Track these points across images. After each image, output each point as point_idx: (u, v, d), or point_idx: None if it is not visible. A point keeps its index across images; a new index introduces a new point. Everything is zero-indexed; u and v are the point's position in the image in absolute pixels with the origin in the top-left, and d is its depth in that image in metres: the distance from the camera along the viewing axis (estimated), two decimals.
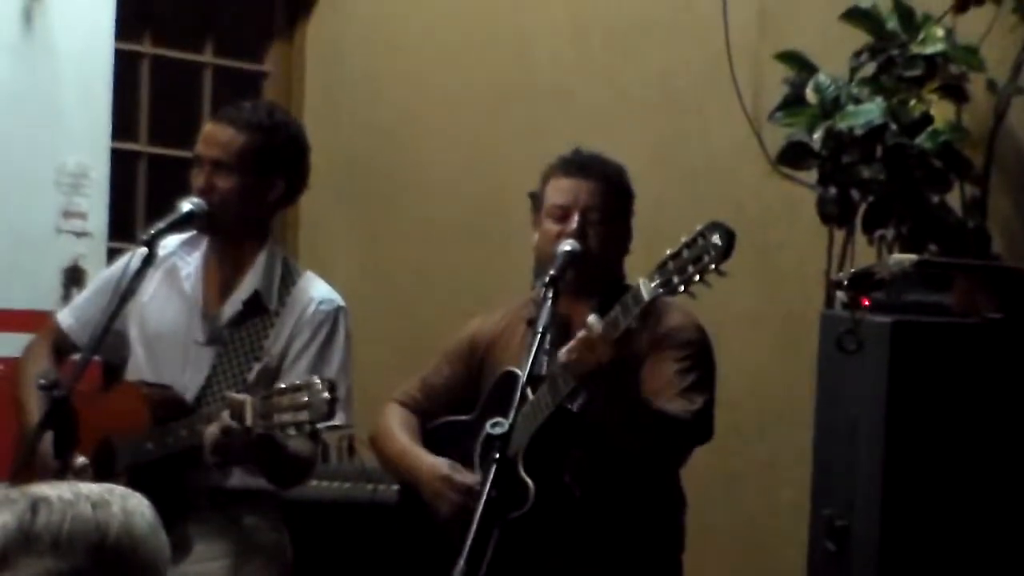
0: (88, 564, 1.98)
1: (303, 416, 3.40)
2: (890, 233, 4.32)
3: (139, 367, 3.81)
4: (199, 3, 5.79)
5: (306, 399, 3.39)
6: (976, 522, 4.12)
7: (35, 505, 1.98)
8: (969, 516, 4.11)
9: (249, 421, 3.40)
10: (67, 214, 4.98)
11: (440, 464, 3.65)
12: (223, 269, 3.81)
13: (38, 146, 5.00)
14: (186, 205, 3.56)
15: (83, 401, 3.57)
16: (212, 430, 3.48)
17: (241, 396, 3.44)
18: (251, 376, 3.65)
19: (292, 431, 3.46)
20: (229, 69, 5.76)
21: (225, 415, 3.42)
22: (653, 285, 3.16)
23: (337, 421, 3.55)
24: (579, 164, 3.57)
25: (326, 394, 3.34)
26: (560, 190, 3.53)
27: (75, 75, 4.98)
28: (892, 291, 4.11)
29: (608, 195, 3.56)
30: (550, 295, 3.35)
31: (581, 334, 3.25)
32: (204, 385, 3.69)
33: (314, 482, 4.38)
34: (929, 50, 4.16)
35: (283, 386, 3.39)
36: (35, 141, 5.05)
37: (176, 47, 5.60)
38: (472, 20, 5.49)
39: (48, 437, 3.52)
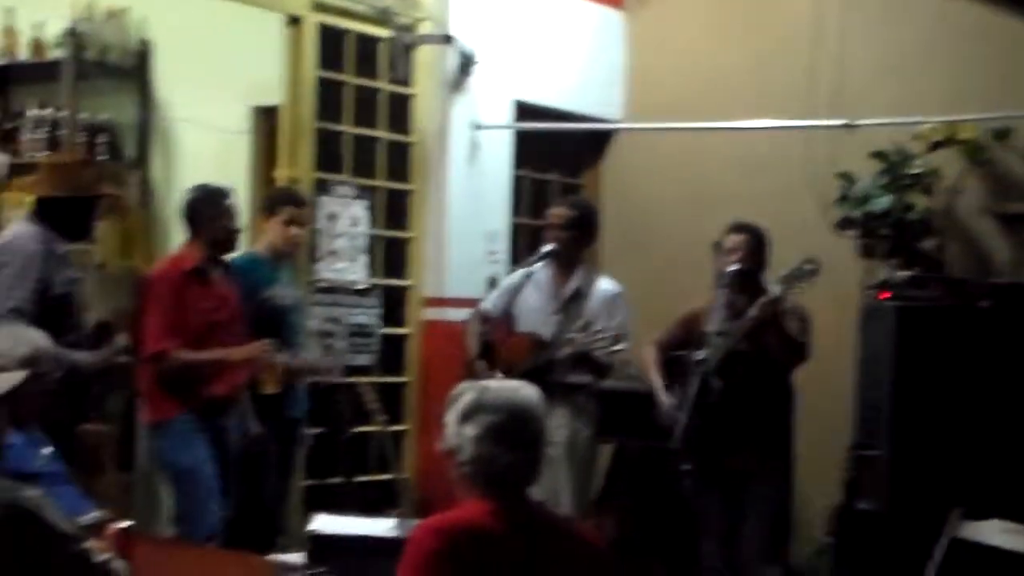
0: (507, 419, 2.96)
1: (607, 344, 5.49)
2: (895, 262, 6.34)
3: (521, 326, 5.79)
4: (551, 145, 7.59)
5: (608, 336, 5.49)
6: (965, 450, 5.70)
7: (484, 388, 3.02)
8: (958, 443, 5.72)
9: (583, 348, 5.45)
10: (490, 252, 6.96)
11: (659, 381, 5.49)
12: (561, 277, 5.75)
13: (480, 219, 6.93)
14: (547, 247, 5.69)
15: (498, 341, 5.74)
16: (566, 351, 5.51)
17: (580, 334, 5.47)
18: (578, 326, 5.57)
19: (602, 352, 5.50)
20: (565, 184, 7.88)
21: (565, 353, 5.50)
22: (780, 288, 5.18)
23: (620, 347, 5.60)
24: (737, 227, 5.43)
25: (616, 334, 5.48)
26: (730, 240, 5.38)
27: (494, 186, 7.04)
28: (898, 290, 6.09)
29: (752, 243, 5.37)
30: (725, 291, 5.28)
31: (761, 300, 5.12)
32: (555, 333, 5.67)
33: (606, 381, 5.95)
34: (915, 170, 6.31)
35: (597, 329, 5.52)
36: (482, 218, 6.97)
37: (541, 171, 7.71)
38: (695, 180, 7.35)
39: (481, 364, 5.60)
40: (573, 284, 5.72)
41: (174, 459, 5.34)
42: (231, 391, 5.41)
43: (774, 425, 5.43)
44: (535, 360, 5.56)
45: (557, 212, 5.77)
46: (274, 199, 5.94)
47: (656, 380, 5.52)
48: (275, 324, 5.64)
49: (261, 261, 5.80)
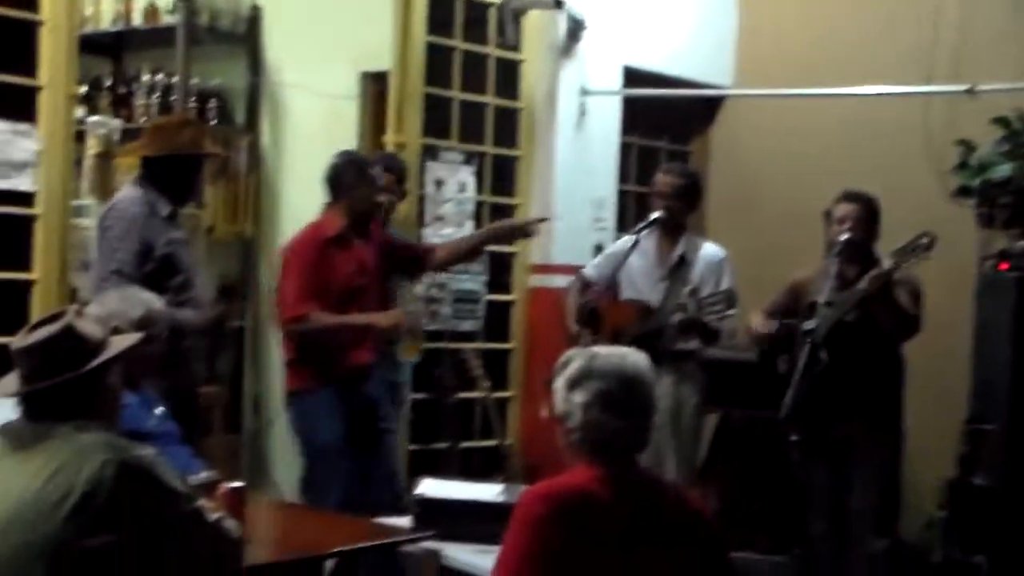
0: (617, 385, 2.98)
1: (719, 308, 5.46)
2: (1015, 231, 6.06)
3: (626, 293, 5.76)
4: (660, 111, 7.59)
5: (719, 299, 5.48)
6: None
7: (593, 354, 3.04)
8: None
9: (694, 314, 5.45)
10: (596, 219, 6.97)
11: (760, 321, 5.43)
12: (666, 244, 5.72)
13: (587, 186, 6.93)
14: (655, 215, 5.61)
15: (604, 308, 5.69)
16: (676, 318, 5.49)
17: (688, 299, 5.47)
18: (686, 293, 5.52)
19: (714, 317, 5.48)
20: (672, 151, 7.93)
21: (675, 317, 5.49)
22: (892, 261, 5.02)
23: (731, 312, 5.58)
24: (848, 196, 5.33)
25: (729, 296, 5.46)
26: (841, 209, 5.28)
27: (601, 152, 7.03)
28: (1017, 261, 5.95)
29: (863, 212, 5.27)
30: (836, 261, 5.15)
31: (872, 273, 5.01)
32: (663, 299, 5.65)
33: (714, 349, 5.89)
34: None
35: (706, 294, 5.51)
36: (589, 185, 6.93)
37: (649, 138, 7.76)
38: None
39: (585, 332, 5.53)
40: (679, 250, 5.72)
41: (309, 432, 5.39)
42: (372, 359, 5.44)
43: (882, 396, 5.38)
44: (644, 326, 5.57)
45: (665, 180, 5.75)
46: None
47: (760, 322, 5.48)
48: None
49: None
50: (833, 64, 7.09)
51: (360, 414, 5.39)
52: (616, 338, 5.38)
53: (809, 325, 5.09)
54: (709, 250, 5.81)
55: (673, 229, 5.74)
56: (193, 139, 5.31)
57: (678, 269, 5.72)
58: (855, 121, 7.02)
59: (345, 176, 5.41)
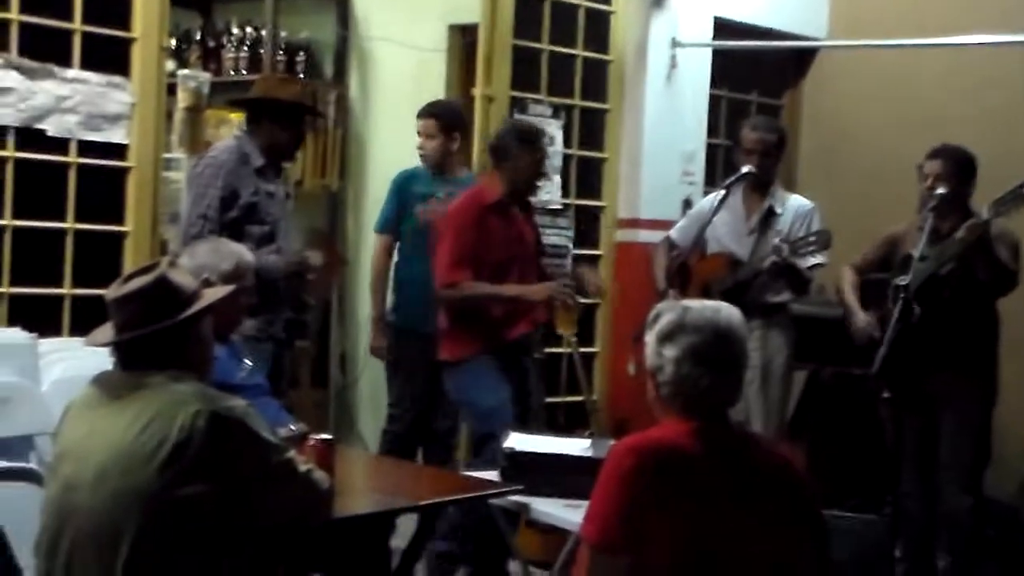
0: (709, 339, 2.93)
1: (812, 248, 5.39)
2: None
3: (714, 248, 5.74)
4: (751, 64, 7.57)
5: (813, 239, 5.42)
6: None
7: (685, 308, 3.00)
8: None
9: (787, 256, 5.36)
10: (685, 173, 6.93)
11: (855, 302, 5.45)
12: (754, 197, 5.72)
13: (676, 140, 6.88)
14: (745, 168, 5.58)
15: (694, 264, 5.70)
16: (769, 260, 5.40)
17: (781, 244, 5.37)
18: (775, 243, 5.47)
19: (809, 257, 5.42)
20: (763, 104, 7.79)
21: (768, 260, 5.40)
22: (990, 211, 4.99)
23: (822, 260, 5.51)
24: (936, 152, 5.27)
25: (822, 237, 5.37)
26: (929, 165, 5.26)
27: (691, 105, 6.98)
28: None
29: (952, 167, 5.23)
30: (930, 216, 5.11)
31: (969, 223, 4.98)
32: (751, 252, 5.64)
33: (803, 305, 6.02)
34: None
35: (800, 236, 5.46)
36: (678, 139, 6.89)
37: (740, 91, 7.71)
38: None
39: (673, 292, 5.47)
40: (766, 203, 5.71)
41: (475, 398, 5.35)
42: (529, 331, 5.43)
43: (976, 350, 5.34)
44: (735, 277, 5.57)
45: (753, 137, 5.68)
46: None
47: (852, 300, 5.50)
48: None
49: (423, 176, 6.02)
50: (930, 14, 6.96)
51: (515, 385, 5.38)
52: (706, 292, 5.40)
53: (902, 280, 5.03)
54: (797, 201, 5.79)
55: (763, 183, 5.71)
56: (297, 94, 5.46)
57: (766, 222, 5.70)
58: (953, 73, 6.90)
59: (510, 146, 5.34)
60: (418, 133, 5.94)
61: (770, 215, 5.70)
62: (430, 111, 5.96)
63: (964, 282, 5.19)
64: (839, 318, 5.72)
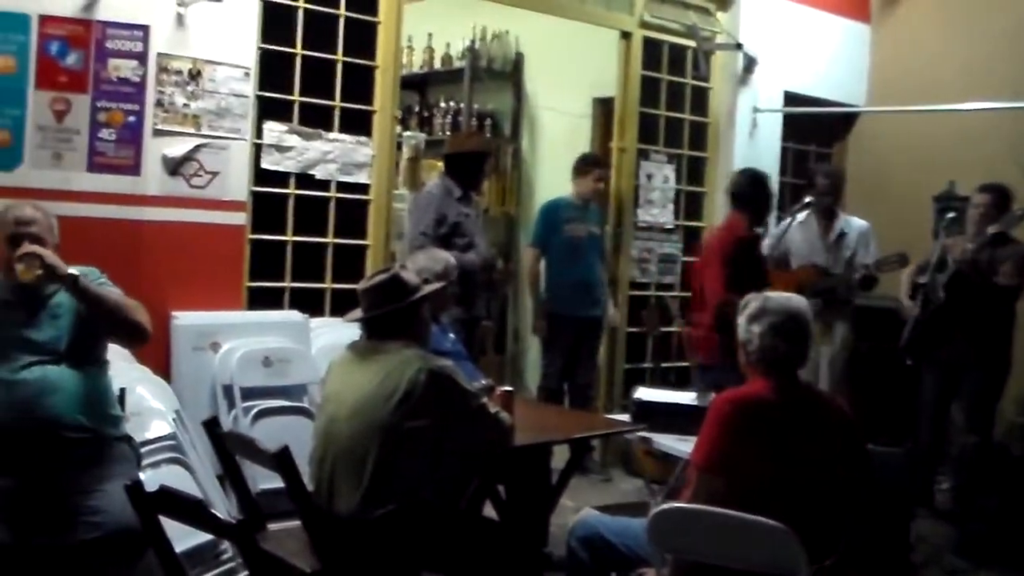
0: (785, 319, 2.89)
1: (893, 266, 5.22)
2: None
3: (797, 260, 5.55)
4: (811, 123, 7.02)
5: (894, 259, 5.20)
6: None
7: (767, 297, 2.94)
8: None
9: (871, 272, 5.21)
10: None
11: (907, 299, 5.10)
12: (826, 223, 5.59)
13: None
14: (807, 199, 5.21)
15: (774, 273, 5.18)
16: (859, 274, 5.27)
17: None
18: (864, 263, 5.33)
19: (888, 270, 5.21)
20: (819, 153, 7.32)
21: (859, 273, 5.29)
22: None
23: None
24: (983, 188, 5.07)
25: (900, 258, 5.11)
26: (977, 198, 5.04)
27: (767, 153, 6.53)
28: None
29: (995, 199, 5.00)
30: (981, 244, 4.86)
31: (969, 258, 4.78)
32: (834, 262, 5.50)
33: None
34: None
35: (884, 257, 5.27)
36: None
37: (802, 143, 7.18)
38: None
39: None
40: (838, 227, 5.55)
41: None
42: None
43: (992, 330, 4.99)
44: (826, 282, 5.39)
45: (823, 183, 5.55)
46: (587, 161, 5.88)
47: (905, 297, 5.22)
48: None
49: (567, 204, 5.81)
50: (946, 85, 6.61)
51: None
52: (800, 291, 5.16)
53: (924, 279, 4.90)
54: (858, 222, 5.64)
55: (830, 213, 5.58)
56: (478, 144, 5.54)
57: (840, 240, 5.58)
58: (960, 128, 6.54)
59: (750, 191, 4.93)
60: (598, 179, 5.79)
61: (842, 235, 5.56)
62: (608, 164, 5.90)
63: (982, 279, 4.92)
64: (883, 308, 5.60)
